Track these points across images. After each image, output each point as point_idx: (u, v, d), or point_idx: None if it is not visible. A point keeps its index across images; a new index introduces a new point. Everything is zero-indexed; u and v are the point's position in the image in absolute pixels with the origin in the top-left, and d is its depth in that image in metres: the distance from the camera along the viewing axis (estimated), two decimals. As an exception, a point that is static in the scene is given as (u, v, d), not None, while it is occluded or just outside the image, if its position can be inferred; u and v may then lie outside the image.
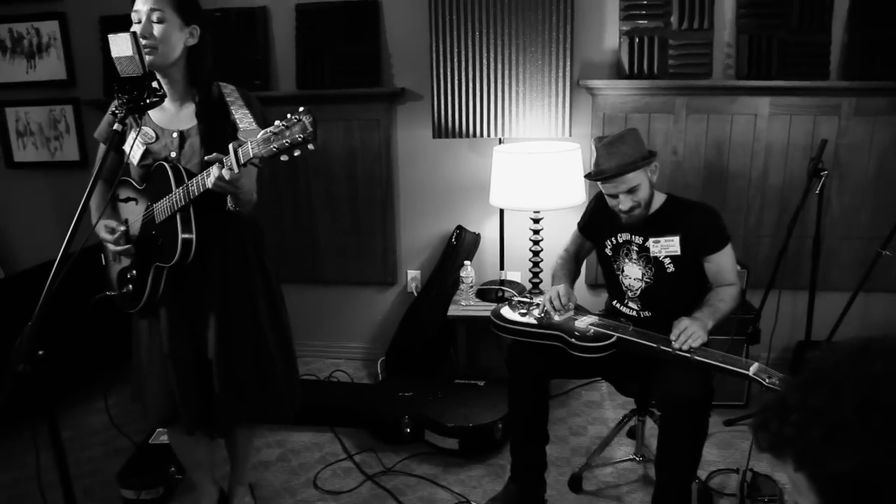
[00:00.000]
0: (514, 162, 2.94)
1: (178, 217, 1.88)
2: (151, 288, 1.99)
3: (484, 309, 3.14)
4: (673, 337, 2.07)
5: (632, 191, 2.18)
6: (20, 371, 1.62)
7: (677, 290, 2.30)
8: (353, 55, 3.36)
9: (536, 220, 3.09)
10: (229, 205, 1.90)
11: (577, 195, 2.97)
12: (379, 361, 3.55)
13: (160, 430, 2.86)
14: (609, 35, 3.21)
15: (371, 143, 3.47)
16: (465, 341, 3.28)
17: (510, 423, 2.40)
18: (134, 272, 2.02)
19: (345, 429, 3.01)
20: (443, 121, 3.28)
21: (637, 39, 3.14)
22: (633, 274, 2.35)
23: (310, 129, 1.59)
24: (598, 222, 2.45)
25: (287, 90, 3.47)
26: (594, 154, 2.25)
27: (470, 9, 3.15)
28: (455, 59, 3.21)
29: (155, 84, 1.88)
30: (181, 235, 1.88)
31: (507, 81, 3.19)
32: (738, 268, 2.44)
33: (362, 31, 3.34)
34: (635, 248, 2.33)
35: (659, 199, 2.31)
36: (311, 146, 1.61)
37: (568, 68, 3.13)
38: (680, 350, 2.03)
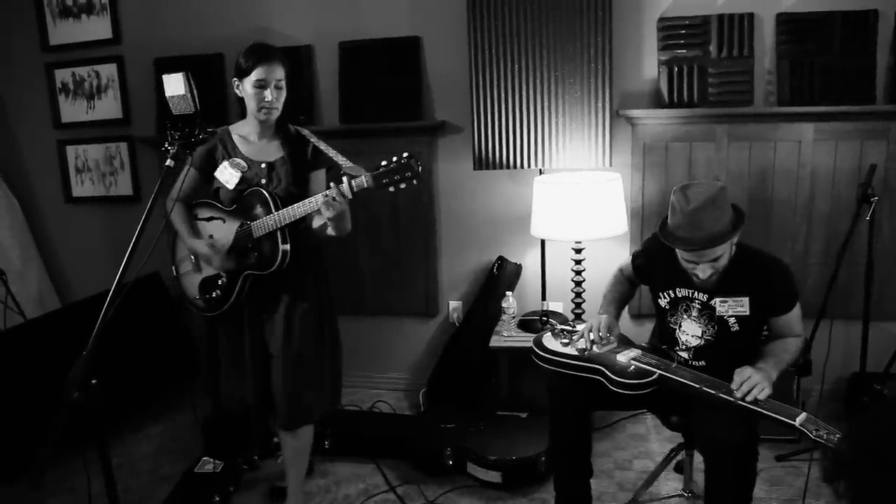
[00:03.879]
0: (555, 192, 2.95)
1: (278, 233, 2.24)
2: (238, 293, 2.34)
3: (526, 340, 3.12)
4: (735, 386, 1.94)
5: (715, 259, 2.02)
6: (75, 399, 1.68)
7: (738, 347, 2.17)
8: (394, 90, 3.44)
9: (578, 251, 3.08)
10: (330, 231, 2.29)
11: (619, 225, 2.95)
12: (420, 392, 3.55)
13: (205, 458, 2.92)
14: (647, 65, 3.22)
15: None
16: (507, 372, 3.25)
17: (552, 456, 2.36)
18: (224, 279, 2.36)
19: (386, 460, 3.00)
20: (483, 153, 3.32)
21: (676, 68, 3.14)
22: (691, 331, 2.21)
23: (417, 168, 2.05)
24: (653, 268, 2.31)
25: (331, 124, 3.56)
26: (678, 213, 2.02)
27: (509, 42, 3.20)
28: (495, 92, 3.25)
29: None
30: (282, 247, 2.25)
31: (546, 113, 3.21)
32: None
33: (403, 66, 3.42)
34: (697, 306, 2.18)
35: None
36: (415, 181, 2.07)
37: (607, 98, 3.15)
38: (725, 395, 1.94)
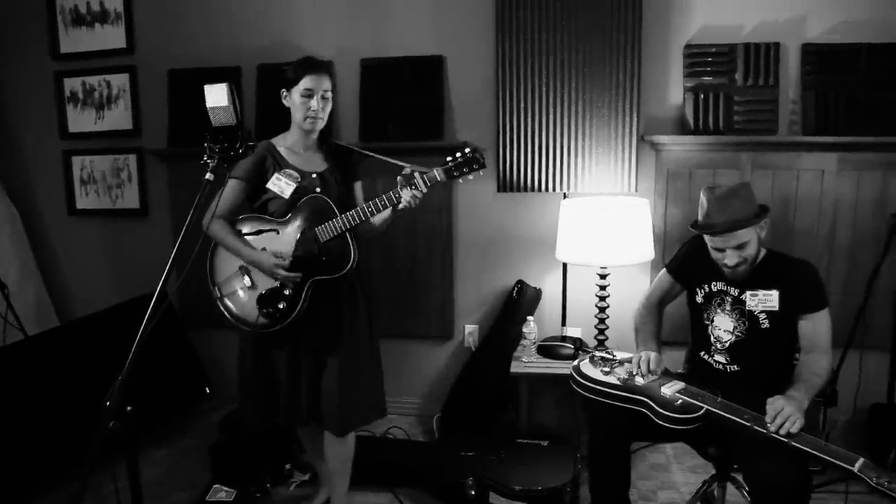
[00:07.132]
0: (581, 217, 2.91)
1: (348, 234, 2.28)
2: (303, 302, 2.31)
3: (546, 366, 3.06)
4: (768, 419, 1.91)
5: (740, 247, 2.12)
6: (111, 428, 1.59)
7: (769, 347, 2.20)
8: (416, 109, 3.39)
9: (603, 276, 3.04)
10: (377, 222, 2.36)
11: (645, 251, 2.92)
12: (434, 418, 3.46)
13: (216, 486, 2.82)
14: (673, 91, 3.21)
15: (431, 196, 3.44)
16: (527, 399, 3.18)
17: (592, 489, 2.28)
18: (289, 291, 2.31)
19: (404, 489, 2.91)
20: (508, 175, 3.27)
21: (701, 95, 3.13)
22: (723, 325, 2.26)
23: (482, 159, 2.21)
24: (691, 267, 2.38)
25: (349, 142, 3.48)
26: (704, 205, 2.18)
27: (537, 64, 3.17)
28: (521, 114, 3.22)
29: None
30: (353, 247, 2.30)
31: (572, 136, 3.19)
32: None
33: (426, 85, 3.37)
34: (729, 300, 2.25)
35: (760, 253, 2.24)
36: (482, 172, 2.23)
37: (634, 123, 3.13)
38: (776, 434, 1.89)
